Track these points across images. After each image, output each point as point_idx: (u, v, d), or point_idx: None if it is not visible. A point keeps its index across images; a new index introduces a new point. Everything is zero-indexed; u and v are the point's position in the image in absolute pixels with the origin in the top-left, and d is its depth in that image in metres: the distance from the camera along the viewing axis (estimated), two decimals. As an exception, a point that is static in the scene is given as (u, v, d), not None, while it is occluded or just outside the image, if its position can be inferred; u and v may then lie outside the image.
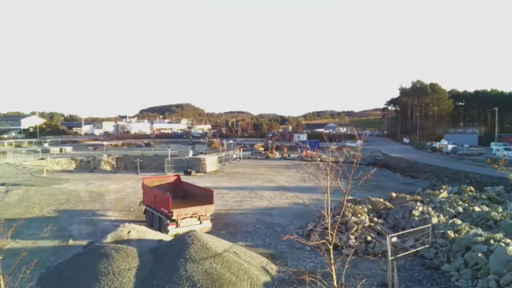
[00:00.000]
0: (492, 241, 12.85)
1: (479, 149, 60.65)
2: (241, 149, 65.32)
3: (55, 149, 60.76)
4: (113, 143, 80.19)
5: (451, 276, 12.21)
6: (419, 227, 14.89)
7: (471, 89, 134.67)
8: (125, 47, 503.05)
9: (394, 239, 11.94)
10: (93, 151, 58.49)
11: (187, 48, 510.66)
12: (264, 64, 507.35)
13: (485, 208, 19.05)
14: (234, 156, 56.35)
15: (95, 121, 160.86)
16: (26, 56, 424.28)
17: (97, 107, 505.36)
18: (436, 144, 70.02)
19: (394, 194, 23.14)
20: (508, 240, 12.88)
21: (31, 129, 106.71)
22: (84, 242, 14.98)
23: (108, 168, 45.62)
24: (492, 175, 30.70)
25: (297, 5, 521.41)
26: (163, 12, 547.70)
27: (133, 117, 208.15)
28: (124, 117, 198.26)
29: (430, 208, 18.51)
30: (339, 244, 14.31)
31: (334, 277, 5.61)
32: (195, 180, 32.28)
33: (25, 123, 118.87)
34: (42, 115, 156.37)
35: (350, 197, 19.40)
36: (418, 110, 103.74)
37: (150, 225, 18.50)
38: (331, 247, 5.59)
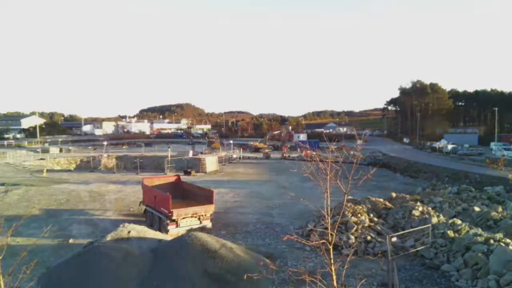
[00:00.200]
0: (492, 241, 12.86)
1: (479, 148, 60.68)
2: (241, 149, 65.29)
3: (55, 149, 60.76)
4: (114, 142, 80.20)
5: (451, 276, 12.22)
6: (419, 227, 14.90)
7: (471, 89, 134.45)
8: (125, 47, 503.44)
9: (394, 239, 11.96)
10: (93, 151, 58.45)
11: (187, 48, 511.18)
12: (264, 64, 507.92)
13: (485, 208, 19.06)
14: (234, 156, 56.34)
15: (95, 121, 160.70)
16: (26, 56, 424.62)
17: (97, 107, 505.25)
18: (436, 144, 70.04)
19: (394, 194, 23.14)
20: (508, 240, 12.89)
21: (31, 129, 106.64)
22: (84, 242, 14.99)
23: (108, 168, 45.66)
24: (492, 174, 30.75)
25: (297, 5, 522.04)
26: (163, 12, 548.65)
27: (133, 117, 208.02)
28: (124, 117, 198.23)
29: (430, 208, 18.51)
30: (339, 244, 14.32)
31: (334, 277, 5.61)
32: (195, 180, 32.28)
33: (25, 123, 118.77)
34: (42, 115, 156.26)
35: (350, 197, 19.41)
36: (418, 110, 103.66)
37: (150, 225, 18.49)
38: (331, 247, 5.58)
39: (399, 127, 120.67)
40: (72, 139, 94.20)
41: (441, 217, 17.31)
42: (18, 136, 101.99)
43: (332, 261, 5.57)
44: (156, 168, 42.96)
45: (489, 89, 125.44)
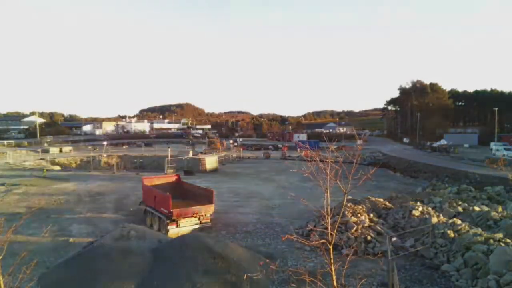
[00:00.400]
0: (492, 241, 12.85)
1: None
2: (241, 148, 65.33)
3: (55, 149, 60.77)
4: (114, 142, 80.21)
5: (451, 276, 12.21)
6: (419, 227, 14.91)
7: (471, 89, 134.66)
8: (125, 47, 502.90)
9: (394, 239, 11.96)
10: (93, 151, 58.47)
11: (187, 48, 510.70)
12: (264, 64, 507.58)
13: (485, 208, 19.06)
14: (234, 156, 56.37)
15: (95, 121, 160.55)
16: (26, 56, 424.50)
17: (97, 107, 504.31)
18: (436, 144, 70.21)
19: (394, 194, 23.16)
20: (508, 240, 12.88)
21: (31, 129, 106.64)
22: (84, 242, 14.98)
23: (108, 168, 45.67)
24: (492, 174, 30.74)
25: (297, 5, 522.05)
26: (163, 12, 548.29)
27: (133, 117, 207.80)
28: (124, 117, 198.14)
29: (430, 208, 18.51)
30: (339, 244, 14.31)
31: (334, 277, 5.61)
32: (195, 180, 32.28)
33: (25, 123, 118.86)
34: (42, 115, 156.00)
35: (350, 197, 19.41)
36: (418, 110, 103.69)
37: (150, 225, 18.51)
38: (331, 247, 5.58)
39: (399, 127, 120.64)
40: (72, 139, 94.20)
41: (441, 217, 17.30)
42: (18, 136, 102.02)
43: (332, 261, 5.58)
44: (156, 168, 42.96)
45: (489, 89, 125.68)
